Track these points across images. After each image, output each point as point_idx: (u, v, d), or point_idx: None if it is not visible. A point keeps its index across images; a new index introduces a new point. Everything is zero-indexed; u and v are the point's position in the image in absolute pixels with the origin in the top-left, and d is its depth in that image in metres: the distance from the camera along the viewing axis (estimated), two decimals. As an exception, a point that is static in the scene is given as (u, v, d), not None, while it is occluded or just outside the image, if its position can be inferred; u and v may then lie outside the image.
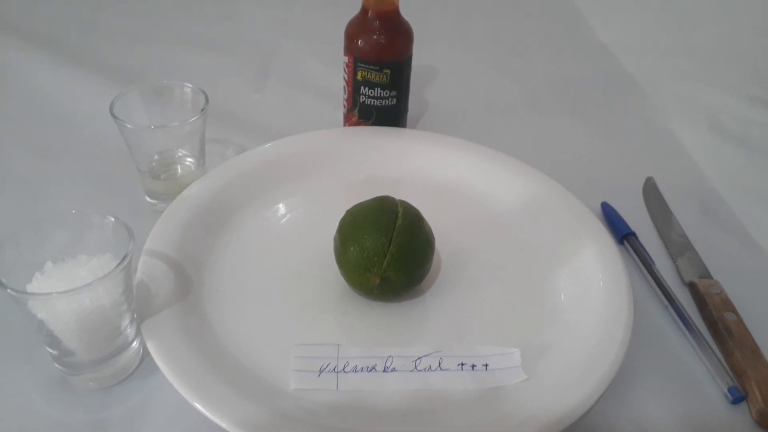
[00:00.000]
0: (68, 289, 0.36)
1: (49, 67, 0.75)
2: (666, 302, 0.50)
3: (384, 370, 0.42)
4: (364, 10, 0.58)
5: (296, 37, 0.88)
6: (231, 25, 0.89)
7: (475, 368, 0.42)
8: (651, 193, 0.62)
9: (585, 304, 0.46)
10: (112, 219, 0.41)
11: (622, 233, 0.55)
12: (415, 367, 0.42)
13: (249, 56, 0.82)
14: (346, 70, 0.60)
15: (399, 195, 0.49)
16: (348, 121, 0.64)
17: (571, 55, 0.89)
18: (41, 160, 0.62)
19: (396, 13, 0.58)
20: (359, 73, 0.59)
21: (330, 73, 0.74)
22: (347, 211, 0.48)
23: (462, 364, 0.43)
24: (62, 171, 0.61)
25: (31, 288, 0.38)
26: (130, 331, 0.42)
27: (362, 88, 0.60)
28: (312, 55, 0.82)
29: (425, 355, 0.43)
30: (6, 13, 0.86)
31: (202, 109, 0.52)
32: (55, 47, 0.79)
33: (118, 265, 0.38)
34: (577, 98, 0.79)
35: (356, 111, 0.62)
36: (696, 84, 0.82)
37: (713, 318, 0.48)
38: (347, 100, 0.62)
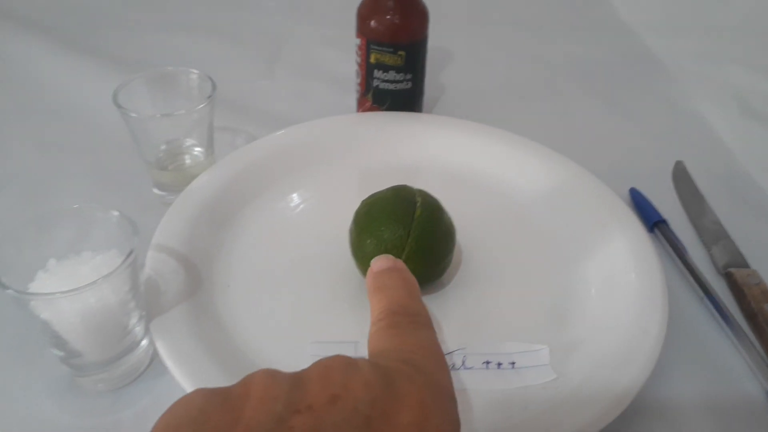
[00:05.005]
0: (72, 289, 0.34)
1: (51, 58, 0.73)
2: (701, 293, 0.47)
3: (404, 369, 0.40)
4: (377, -11, 0.55)
5: (306, 21, 0.85)
6: (238, 10, 0.86)
7: (501, 366, 0.40)
8: (681, 177, 0.59)
9: (616, 297, 0.43)
10: (116, 213, 0.39)
11: (652, 220, 0.53)
12: (438, 366, 0.40)
13: (257, 42, 0.80)
14: (359, 53, 0.58)
15: (416, 183, 0.46)
16: (361, 106, 0.61)
17: (591, 34, 0.85)
18: (44, 155, 0.60)
19: (410, -9, 0.55)
20: (372, 56, 0.56)
21: (342, 58, 0.71)
22: (363, 202, 0.46)
23: (487, 363, 0.40)
24: (66, 165, 0.59)
25: (33, 287, 0.36)
26: (139, 330, 0.40)
27: (376, 71, 0.57)
28: (323, 40, 0.80)
29: (448, 353, 0.41)
30: (4, 2, 0.83)
31: (209, 96, 0.50)
32: (57, 37, 0.76)
33: (122, 262, 0.36)
34: (599, 80, 0.75)
35: (370, 96, 0.59)
36: (724, 63, 0.78)
37: (752, 310, 0.45)
38: (360, 85, 0.60)
